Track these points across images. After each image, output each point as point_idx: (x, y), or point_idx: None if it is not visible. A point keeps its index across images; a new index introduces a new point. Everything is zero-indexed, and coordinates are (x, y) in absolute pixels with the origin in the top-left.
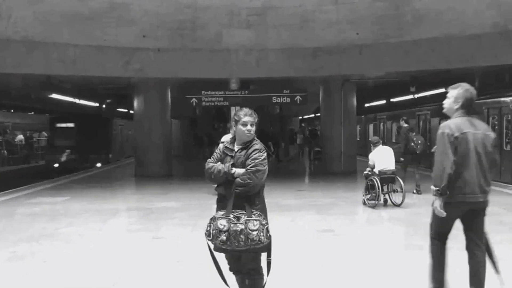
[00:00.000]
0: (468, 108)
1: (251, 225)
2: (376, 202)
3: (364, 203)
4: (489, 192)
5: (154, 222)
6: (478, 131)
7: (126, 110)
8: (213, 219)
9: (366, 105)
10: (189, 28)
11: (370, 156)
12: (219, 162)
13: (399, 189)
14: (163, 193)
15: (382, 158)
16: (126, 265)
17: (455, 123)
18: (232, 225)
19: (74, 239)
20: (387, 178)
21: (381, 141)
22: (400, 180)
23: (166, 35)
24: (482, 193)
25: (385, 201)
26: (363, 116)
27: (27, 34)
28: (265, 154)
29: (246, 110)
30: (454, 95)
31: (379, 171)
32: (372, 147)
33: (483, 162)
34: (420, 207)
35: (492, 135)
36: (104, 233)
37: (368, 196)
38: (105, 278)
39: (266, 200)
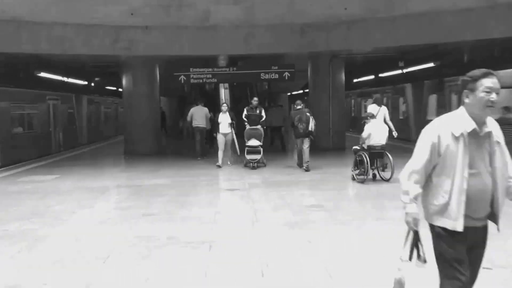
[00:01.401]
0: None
1: None
2: (365, 177)
3: (353, 178)
4: None
5: (144, 199)
6: None
7: (114, 88)
8: None
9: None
10: (177, 5)
11: (366, 127)
12: None
13: (388, 164)
14: (152, 170)
15: (374, 132)
16: (117, 242)
17: None
18: None
19: (66, 217)
20: (376, 153)
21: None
22: (389, 155)
23: (153, 13)
24: None
25: (374, 176)
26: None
27: (15, 14)
28: None
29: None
30: None
31: (368, 146)
32: (367, 120)
33: None
34: None
35: None
36: (95, 211)
37: (357, 171)
38: (97, 255)
39: (256, 177)
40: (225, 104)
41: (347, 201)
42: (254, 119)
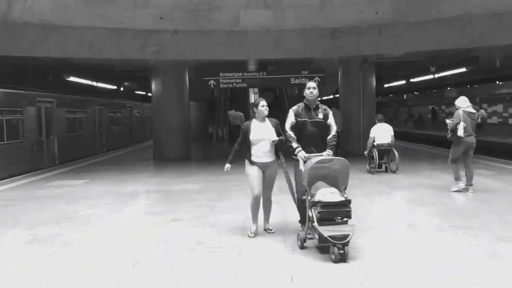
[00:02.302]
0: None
1: None
2: (375, 167)
3: (368, 171)
4: None
5: (173, 204)
6: None
7: (144, 93)
8: None
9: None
10: (206, 9)
11: (371, 130)
12: None
13: (394, 159)
14: (181, 175)
15: (379, 133)
16: (146, 246)
17: None
18: None
19: (94, 222)
20: (383, 150)
21: (383, 119)
22: (395, 151)
23: (182, 17)
24: None
25: (386, 168)
26: None
27: (43, 18)
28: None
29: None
30: None
31: (377, 144)
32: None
33: None
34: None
35: None
36: (124, 215)
37: (372, 165)
38: (125, 260)
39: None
40: (263, 103)
41: (372, 207)
42: (313, 135)
